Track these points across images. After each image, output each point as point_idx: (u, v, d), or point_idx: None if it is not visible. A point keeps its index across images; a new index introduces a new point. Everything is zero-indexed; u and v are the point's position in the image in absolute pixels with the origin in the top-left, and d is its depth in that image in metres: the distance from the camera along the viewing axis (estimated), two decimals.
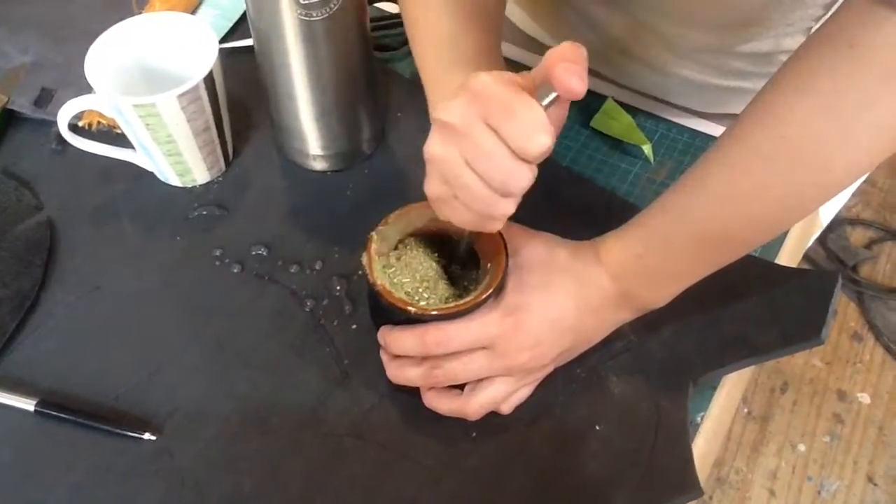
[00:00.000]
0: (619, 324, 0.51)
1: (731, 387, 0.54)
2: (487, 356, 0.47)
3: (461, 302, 0.47)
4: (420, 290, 0.49)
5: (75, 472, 0.49)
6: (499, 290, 0.47)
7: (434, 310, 0.47)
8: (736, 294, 0.54)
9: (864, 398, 1.48)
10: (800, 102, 0.41)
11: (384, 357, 0.51)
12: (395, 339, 0.48)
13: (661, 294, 0.49)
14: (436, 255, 0.51)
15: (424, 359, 0.48)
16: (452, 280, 0.51)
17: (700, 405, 0.52)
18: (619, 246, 0.48)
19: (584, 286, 0.48)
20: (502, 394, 0.49)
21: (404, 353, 0.48)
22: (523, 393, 0.50)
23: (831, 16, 0.44)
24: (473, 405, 0.49)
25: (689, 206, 0.46)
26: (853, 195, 1.41)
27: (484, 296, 0.46)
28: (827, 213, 0.79)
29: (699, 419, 0.51)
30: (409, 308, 0.46)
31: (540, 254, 0.49)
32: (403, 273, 0.49)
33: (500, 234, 0.48)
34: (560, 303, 0.47)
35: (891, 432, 1.44)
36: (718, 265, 0.47)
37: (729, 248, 0.47)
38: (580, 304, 0.48)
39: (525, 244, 0.49)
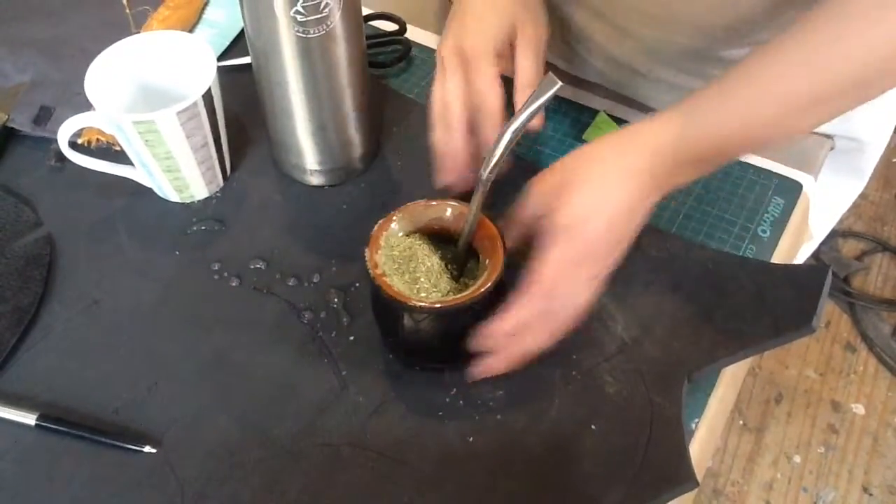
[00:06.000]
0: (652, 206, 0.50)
1: (725, 391, 0.55)
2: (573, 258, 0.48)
3: (459, 296, 0.48)
4: (422, 280, 0.51)
5: (75, 485, 0.49)
6: (497, 284, 0.48)
7: (431, 302, 0.48)
8: (727, 291, 0.54)
9: (859, 408, 1.49)
10: None
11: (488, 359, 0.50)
12: (514, 314, 0.48)
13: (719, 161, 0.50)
14: (439, 253, 0.53)
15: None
16: (454, 278, 0.53)
17: (694, 411, 0.52)
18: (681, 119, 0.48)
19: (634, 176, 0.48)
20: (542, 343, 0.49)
21: (526, 322, 0.48)
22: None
23: None
24: (515, 355, 0.49)
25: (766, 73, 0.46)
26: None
27: (481, 290, 0.47)
28: (820, 228, 0.79)
29: (693, 426, 0.52)
30: (407, 301, 0.48)
31: (584, 161, 0.49)
32: (404, 267, 0.51)
33: (497, 231, 0.50)
34: (615, 199, 0.48)
35: (885, 442, 1.44)
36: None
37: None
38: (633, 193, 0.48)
39: (563, 164, 0.50)
